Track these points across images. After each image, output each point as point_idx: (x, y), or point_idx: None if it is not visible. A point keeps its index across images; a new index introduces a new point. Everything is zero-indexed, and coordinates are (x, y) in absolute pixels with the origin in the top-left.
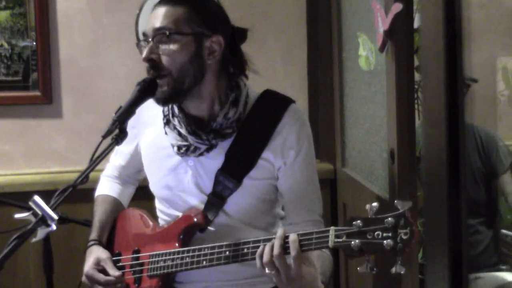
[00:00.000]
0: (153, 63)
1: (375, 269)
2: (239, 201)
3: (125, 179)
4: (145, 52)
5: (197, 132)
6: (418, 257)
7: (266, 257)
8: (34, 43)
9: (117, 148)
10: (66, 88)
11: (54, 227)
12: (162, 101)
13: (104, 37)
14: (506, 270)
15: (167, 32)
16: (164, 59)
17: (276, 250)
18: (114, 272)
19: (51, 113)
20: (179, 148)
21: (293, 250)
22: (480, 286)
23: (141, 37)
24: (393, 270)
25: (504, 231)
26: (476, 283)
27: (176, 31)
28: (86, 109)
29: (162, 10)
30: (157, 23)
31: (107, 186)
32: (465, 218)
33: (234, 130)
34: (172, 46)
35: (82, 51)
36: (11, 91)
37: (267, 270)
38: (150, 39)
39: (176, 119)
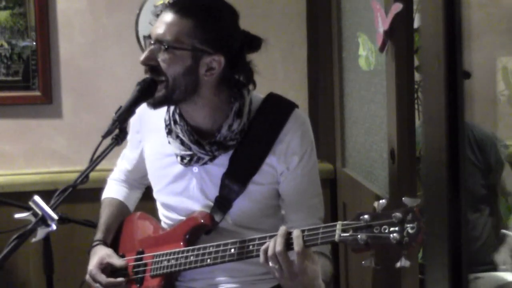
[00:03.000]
0: (151, 67)
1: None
2: (244, 206)
3: (132, 183)
4: (143, 55)
5: (200, 142)
6: (418, 257)
7: (270, 251)
8: (34, 43)
9: (123, 153)
10: (66, 88)
11: (54, 227)
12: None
13: (104, 37)
14: (506, 270)
15: (166, 46)
16: (162, 65)
17: (278, 247)
18: (121, 262)
19: (51, 113)
20: (182, 158)
21: (296, 246)
22: (480, 286)
23: (141, 37)
24: (398, 264)
25: (504, 231)
26: (476, 283)
27: (174, 46)
28: (86, 109)
29: (168, 18)
30: (160, 30)
31: (114, 189)
32: (465, 218)
33: (237, 141)
34: (169, 56)
35: (82, 51)
36: (11, 91)
37: (270, 264)
38: (152, 42)
39: (178, 127)
